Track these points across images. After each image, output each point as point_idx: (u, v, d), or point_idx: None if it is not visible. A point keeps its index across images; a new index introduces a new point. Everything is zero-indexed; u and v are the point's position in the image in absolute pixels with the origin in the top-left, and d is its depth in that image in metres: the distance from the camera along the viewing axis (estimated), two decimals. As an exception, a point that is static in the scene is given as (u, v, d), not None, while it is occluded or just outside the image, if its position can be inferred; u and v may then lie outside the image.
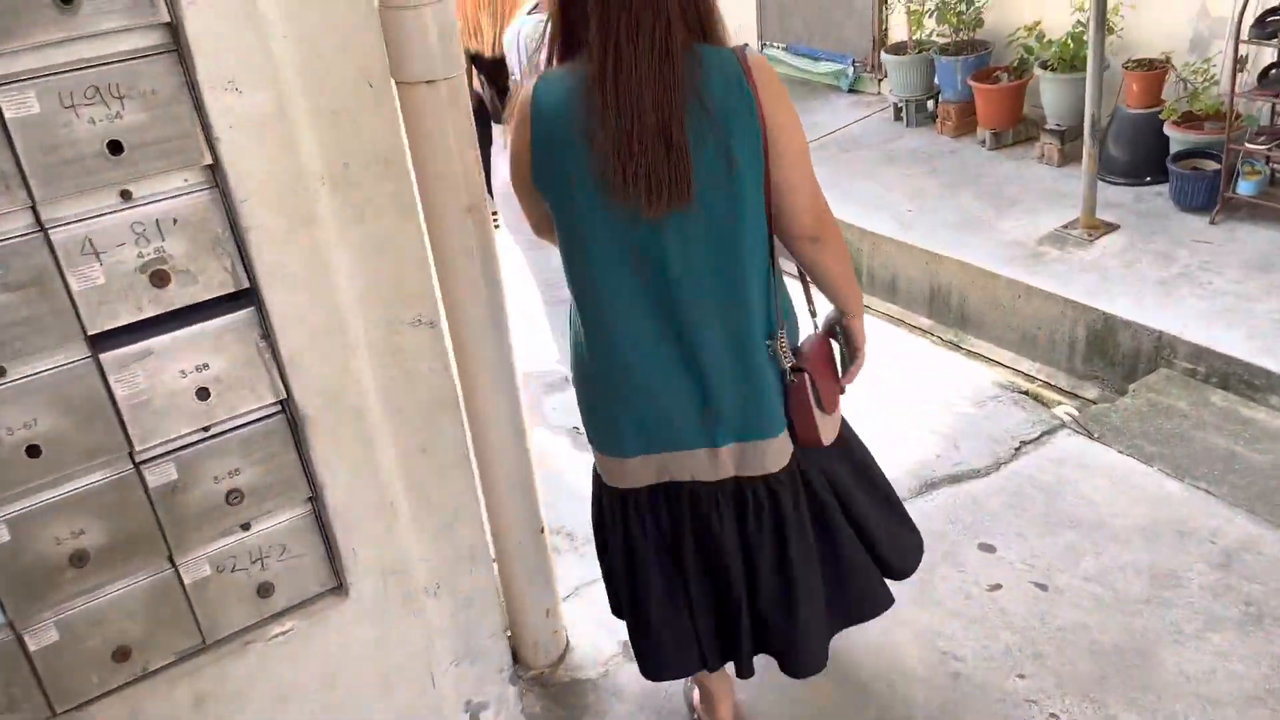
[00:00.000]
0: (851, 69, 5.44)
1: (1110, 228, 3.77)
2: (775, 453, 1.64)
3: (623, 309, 1.54)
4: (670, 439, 1.62)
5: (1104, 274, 3.50)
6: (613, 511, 1.73)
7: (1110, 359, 3.34)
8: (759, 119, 1.44)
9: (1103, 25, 3.47)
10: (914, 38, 4.88)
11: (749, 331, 1.56)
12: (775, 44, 5.91)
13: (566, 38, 1.47)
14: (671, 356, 1.56)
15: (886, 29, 5.22)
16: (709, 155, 1.42)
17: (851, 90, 5.51)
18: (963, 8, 4.55)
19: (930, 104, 4.94)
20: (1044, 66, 4.25)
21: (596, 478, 1.76)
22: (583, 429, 1.76)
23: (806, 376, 1.62)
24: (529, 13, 2.54)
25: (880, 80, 5.35)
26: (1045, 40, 4.27)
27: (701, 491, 1.66)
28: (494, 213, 2.88)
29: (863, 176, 4.51)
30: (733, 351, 1.57)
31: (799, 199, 1.52)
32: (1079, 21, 4.08)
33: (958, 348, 3.76)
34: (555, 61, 1.50)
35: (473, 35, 2.57)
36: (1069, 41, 4.09)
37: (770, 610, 1.73)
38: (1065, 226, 3.82)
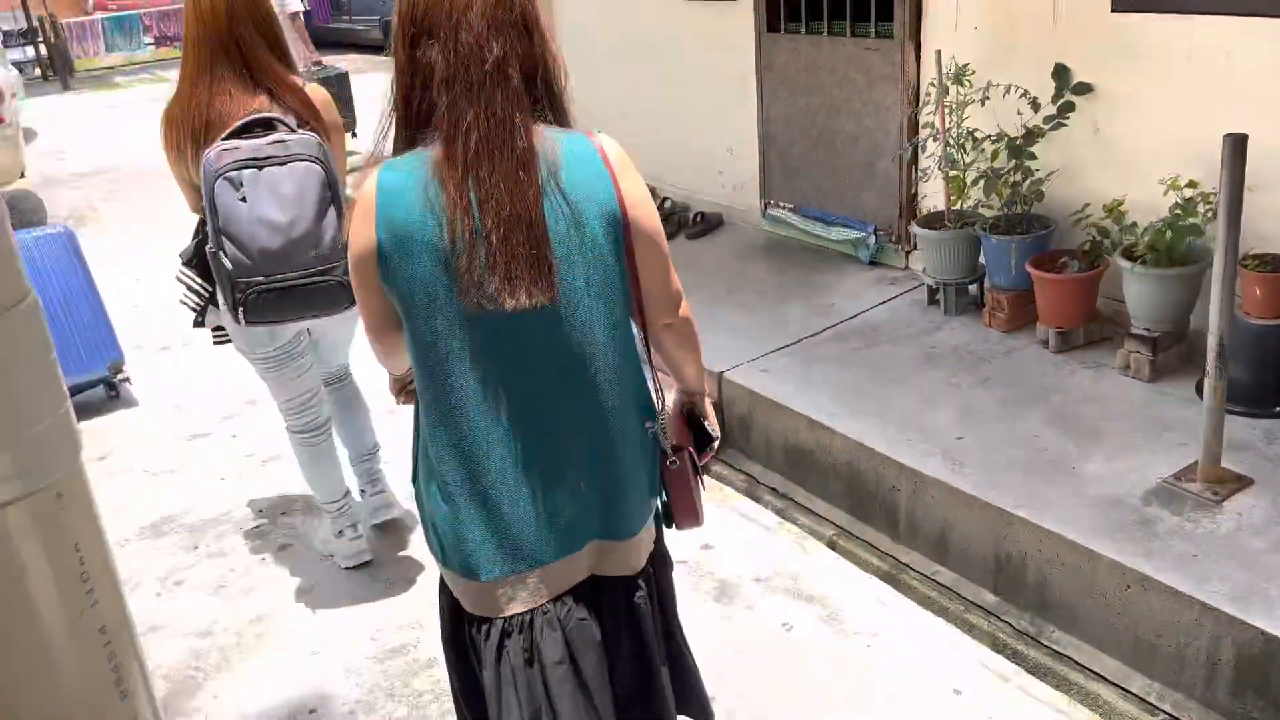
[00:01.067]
0: (873, 238, 4.55)
1: (1242, 482, 2.77)
2: (639, 549, 1.63)
3: (476, 410, 1.45)
4: (528, 554, 1.51)
5: (1249, 560, 2.48)
6: (469, 641, 1.61)
7: (1275, 698, 2.28)
8: (618, 201, 1.42)
9: (1237, 216, 2.54)
10: (953, 208, 3.99)
11: (621, 421, 1.53)
12: (781, 204, 5.06)
13: (409, 122, 1.41)
14: (530, 458, 1.48)
15: (917, 195, 4.35)
16: (569, 241, 1.39)
17: (873, 263, 4.60)
18: (1017, 178, 3.67)
19: (974, 289, 4.02)
20: (1128, 256, 3.32)
21: (450, 606, 1.65)
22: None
23: (687, 454, 1.64)
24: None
25: (908, 253, 4.45)
26: (1129, 224, 3.36)
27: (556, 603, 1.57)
28: (218, 328, 2.72)
29: (895, 383, 3.54)
30: (601, 444, 1.52)
31: (658, 281, 1.52)
32: (1180, 203, 3.17)
33: (1036, 642, 2.71)
34: (393, 149, 1.44)
35: (176, 152, 2.49)
36: (1166, 229, 3.17)
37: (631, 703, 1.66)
38: (1178, 476, 2.82)
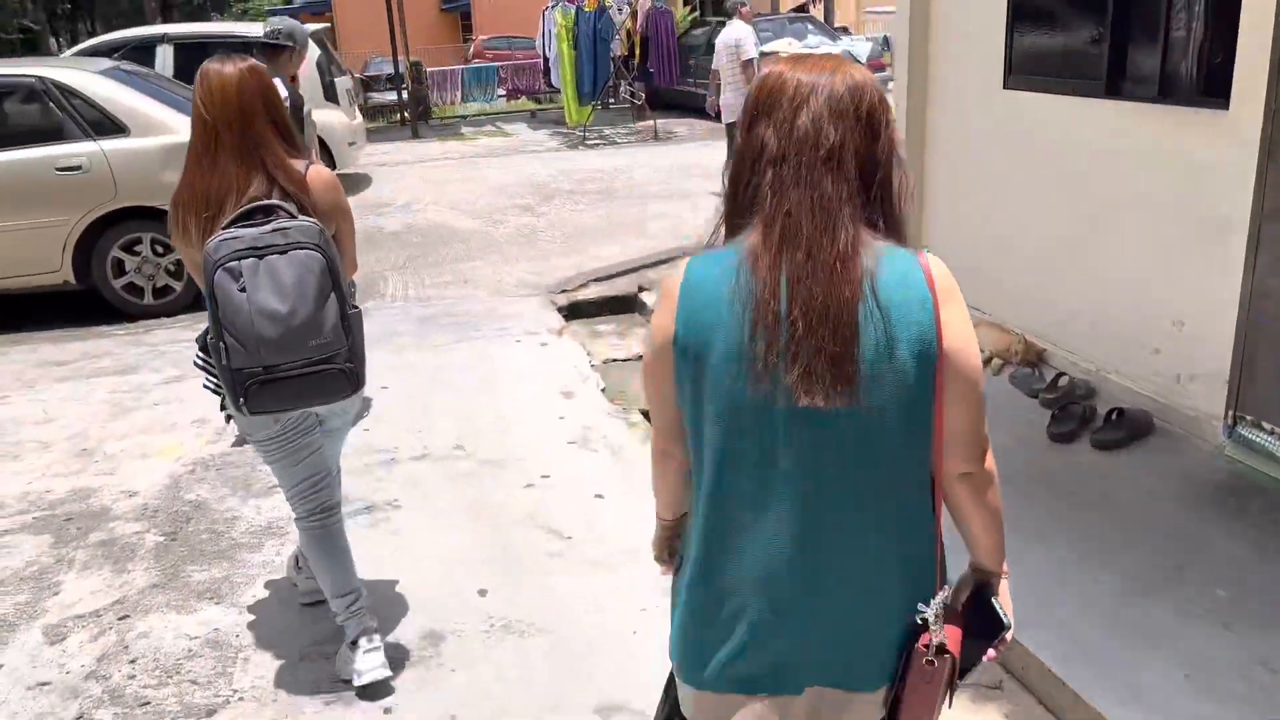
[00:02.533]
0: None
1: None
2: (862, 712, 1.45)
3: (746, 514, 1.39)
4: (763, 674, 1.42)
5: None
6: None
7: None
8: (936, 331, 1.32)
9: None
10: None
11: (884, 570, 1.40)
12: (1267, 423, 3.21)
13: (734, 208, 1.39)
14: (786, 573, 1.38)
15: None
16: (877, 351, 1.30)
17: None
18: None
19: None
20: None
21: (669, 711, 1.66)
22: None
23: (950, 661, 1.41)
24: None
25: None
26: None
27: None
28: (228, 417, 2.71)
29: None
30: (861, 582, 1.39)
31: (966, 422, 1.37)
32: None
33: None
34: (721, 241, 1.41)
35: (182, 235, 2.48)
36: None
37: None
38: None
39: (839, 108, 1.32)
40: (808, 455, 1.34)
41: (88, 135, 6.07)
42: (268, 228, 2.33)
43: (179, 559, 3.36)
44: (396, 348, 5.44)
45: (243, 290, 2.28)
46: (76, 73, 6.27)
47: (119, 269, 6.27)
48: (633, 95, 13.44)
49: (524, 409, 4.56)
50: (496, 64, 16.98)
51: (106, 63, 6.87)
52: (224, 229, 2.33)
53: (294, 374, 2.34)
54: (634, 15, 12.91)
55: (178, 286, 6.41)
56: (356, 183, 10.84)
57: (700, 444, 1.41)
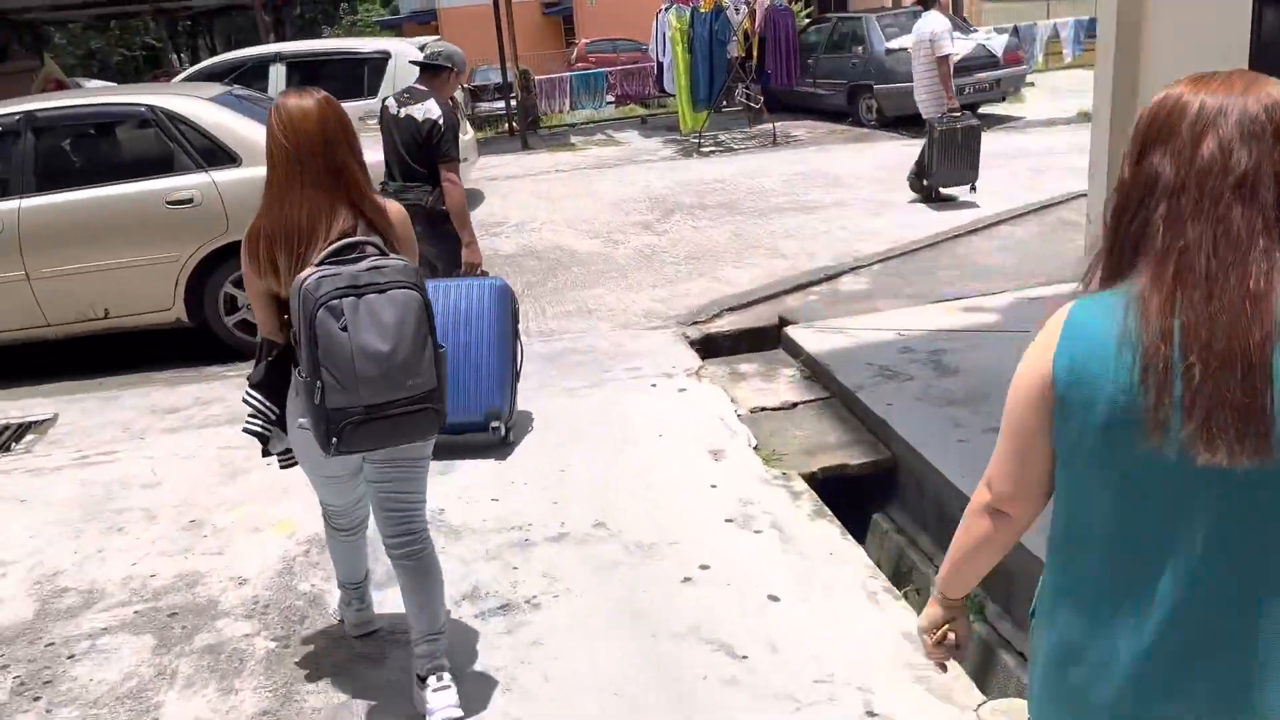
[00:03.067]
0: None
1: None
2: None
3: (1118, 579, 1.29)
4: None
5: None
6: None
7: None
8: None
9: None
10: None
11: None
12: None
13: (1115, 248, 1.30)
14: (1166, 652, 1.27)
15: None
16: None
17: None
18: None
19: None
20: None
21: None
22: None
23: None
24: None
25: None
26: None
27: None
28: (285, 452, 2.69)
29: None
30: (1250, 678, 1.25)
31: None
32: None
33: None
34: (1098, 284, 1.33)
35: (265, 267, 2.43)
36: None
37: None
38: None
39: (1253, 129, 1.21)
40: (1210, 521, 1.23)
41: (199, 166, 5.77)
42: (364, 265, 2.32)
43: (292, 676, 2.91)
44: (525, 392, 4.96)
45: (344, 329, 2.26)
46: (187, 100, 5.99)
47: (231, 305, 5.97)
48: (749, 98, 12.78)
49: (669, 474, 4.01)
50: (605, 70, 16.53)
51: (218, 88, 6.60)
52: (318, 264, 2.31)
53: (393, 414, 2.34)
54: (751, 15, 12.26)
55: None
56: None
57: (1075, 507, 1.34)
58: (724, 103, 13.52)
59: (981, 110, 13.53)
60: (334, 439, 2.32)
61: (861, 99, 13.35)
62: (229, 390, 5.43)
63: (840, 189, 9.73)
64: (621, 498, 3.83)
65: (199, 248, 5.78)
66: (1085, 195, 8.22)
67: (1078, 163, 10.04)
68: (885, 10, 14.34)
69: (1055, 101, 14.11)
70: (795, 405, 4.72)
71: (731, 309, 6.23)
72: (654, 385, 5.00)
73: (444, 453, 3.85)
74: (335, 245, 2.34)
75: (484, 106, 17.04)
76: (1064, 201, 8.07)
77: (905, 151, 11.61)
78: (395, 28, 40.21)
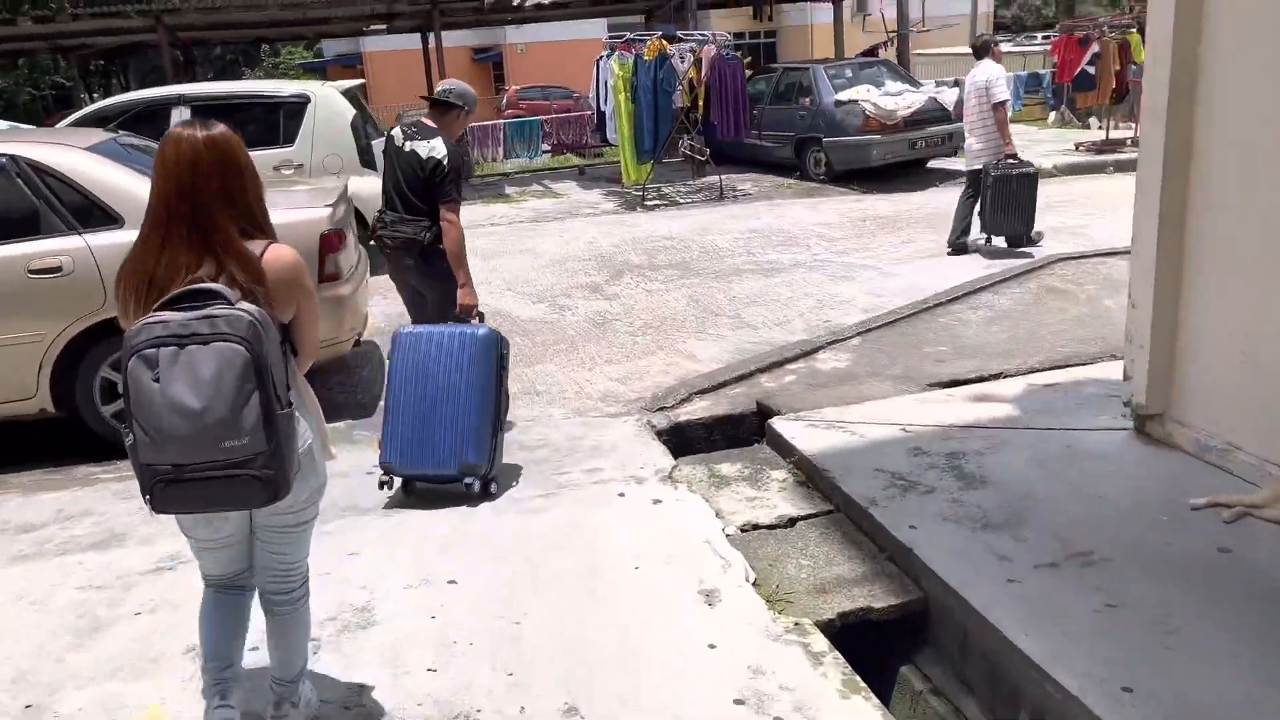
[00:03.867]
0: None
1: None
2: None
3: None
4: None
5: None
6: None
7: None
8: None
9: None
10: None
11: None
12: None
13: None
14: None
15: None
16: None
17: None
18: None
19: None
20: None
21: None
22: None
23: None
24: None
25: None
26: None
27: None
28: None
29: None
30: None
31: None
32: None
33: None
34: None
35: (124, 316, 2.35)
36: None
37: None
38: None
39: None
40: None
41: (71, 228, 4.82)
42: (197, 314, 2.15)
43: None
44: (460, 512, 4.10)
45: (156, 380, 2.12)
46: (58, 150, 5.03)
47: (110, 393, 4.99)
48: (695, 150, 12.18)
49: (654, 628, 3.19)
50: (540, 117, 15.84)
51: (100, 135, 5.64)
52: (155, 309, 2.20)
53: (201, 476, 2.16)
54: (698, 64, 11.69)
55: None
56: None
57: None
58: (665, 154, 12.90)
59: (933, 165, 13.18)
60: (148, 496, 2.20)
61: (809, 152, 12.86)
62: (101, 499, 4.46)
63: (798, 249, 9.10)
64: (597, 667, 2.99)
65: (69, 325, 4.80)
66: (1066, 258, 7.74)
67: (1045, 221, 9.62)
68: (831, 61, 13.95)
69: (1003, 157, 13.82)
70: (794, 522, 3.95)
71: (702, 391, 5.47)
72: (622, 494, 4.19)
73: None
74: (176, 292, 2.20)
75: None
76: (1042, 266, 7.53)
77: (858, 207, 11.11)
78: (319, 71, 39.15)
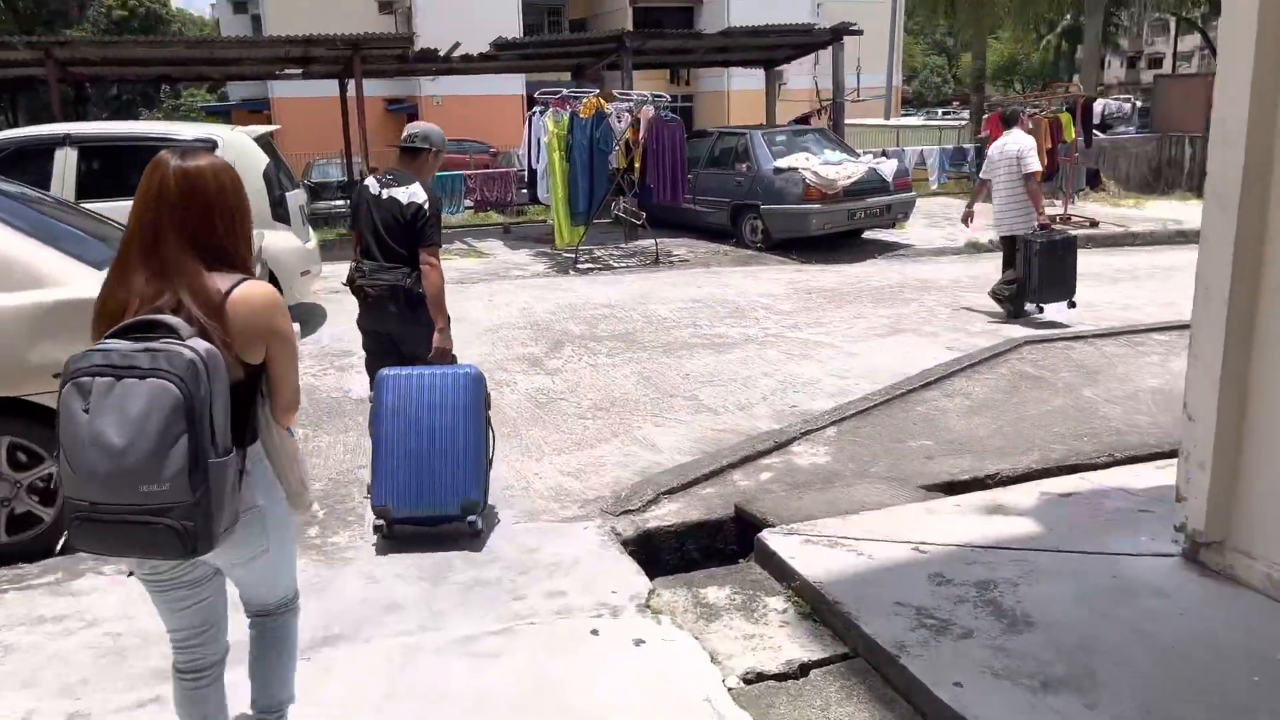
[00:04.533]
0: None
1: None
2: None
3: None
4: None
5: None
6: None
7: None
8: None
9: None
10: None
11: None
12: None
13: None
14: None
15: None
16: None
17: None
18: None
19: None
20: None
21: None
22: None
23: None
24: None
25: None
26: None
27: None
28: None
29: None
30: None
31: None
32: None
33: None
34: None
35: None
36: None
37: None
38: None
39: None
40: None
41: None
42: (141, 346, 2.03)
43: None
44: (399, 651, 3.33)
45: (86, 411, 2.00)
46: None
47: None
48: (631, 213, 11.66)
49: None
50: (462, 172, 15.16)
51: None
52: (106, 337, 2.09)
53: (115, 519, 2.01)
54: (636, 125, 11.22)
55: (46, 515, 4.21)
56: (310, 319, 8.74)
57: None
58: (596, 215, 12.36)
59: (868, 235, 12.94)
60: (65, 531, 2.11)
61: (746, 219, 12.47)
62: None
63: (747, 322, 8.58)
64: None
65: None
66: (1032, 342, 7.38)
67: (993, 302, 9.33)
68: (768, 127, 13.68)
69: (935, 229, 13.71)
70: (806, 669, 3.29)
71: (670, 491, 4.80)
72: (595, 632, 3.47)
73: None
74: (128, 321, 2.10)
75: (324, 205, 15.28)
76: (1010, 350, 7.15)
77: (800, 278, 10.71)
78: (223, 115, 37.75)
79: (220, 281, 2.18)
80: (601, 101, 10.97)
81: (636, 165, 11.47)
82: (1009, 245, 8.34)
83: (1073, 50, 55.13)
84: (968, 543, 3.89)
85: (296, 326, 2.38)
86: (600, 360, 7.34)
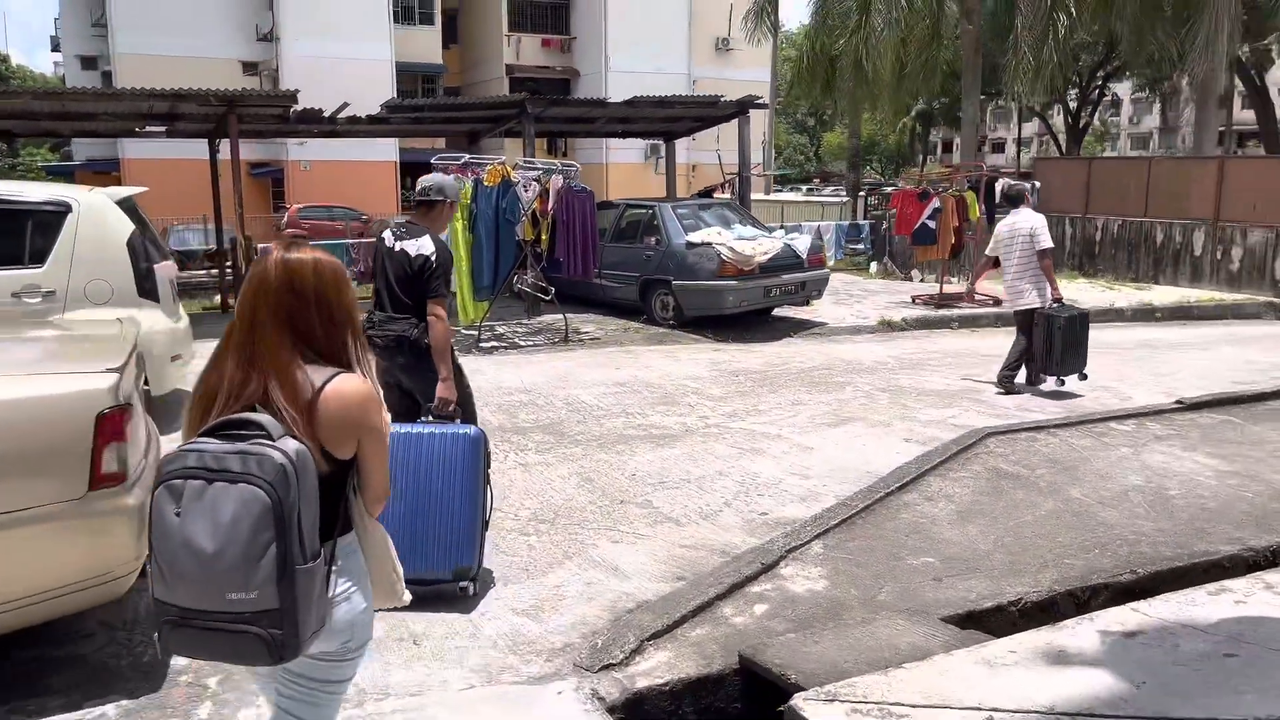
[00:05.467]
0: None
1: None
2: None
3: None
4: None
5: None
6: None
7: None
8: None
9: None
10: None
11: None
12: None
13: None
14: None
15: None
16: None
17: None
18: None
19: None
20: None
21: None
22: None
23: None
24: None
25: None
26: None
27: None
28: None
29: None
30: None
31: None
32: None
33: None
34: None
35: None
36: None
37: None
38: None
39: None
40: None
41: None
42: (233, 447, 1.99)
43: None
44: None
45: (178, 515, 1.97)
46: None
47: None
48: (537, 287, 10.86)
49: None
50: (348, 240, 14.06)
51: None
52: (198, 435, 2.08)
53: (206, 626, 1.97)
54: (544, 195, 10.49)
55: None
56: (174, 413, 7.51)
57: None
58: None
59: (779, 313, 12.51)
60: (155, 634, 2.07)
61: (656, 295, 11.84)
62: None
63: (681, 409, 7.86)
64: None
65: None
66: (995, 434, 6.90)
67: (927, 382, 8.93)
68: (677, 200, 13.19)
69: (844, 307, 13.44)
70: None
71: (655, 636, 3.95)
72: None
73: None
74: (220, 420, 2.07)
75: (184, 276, 13.88)
76: (975, 443, 6.64)
77: (722, 359, 10.10)
78: (66, 175, 35.13)
79: (315, 375, 2.16)
80: (508, 169, 10.20)
81: (543, 237, 10.71)
82: (1026, 318, 8.42)
83: (926, 133, 58.02)
84: (1049, 708, 3.19)
85: (387, 416, 2.30)
86: (530, 458, 6.45)
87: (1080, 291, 15.03)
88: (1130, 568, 4.69)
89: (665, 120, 14.26)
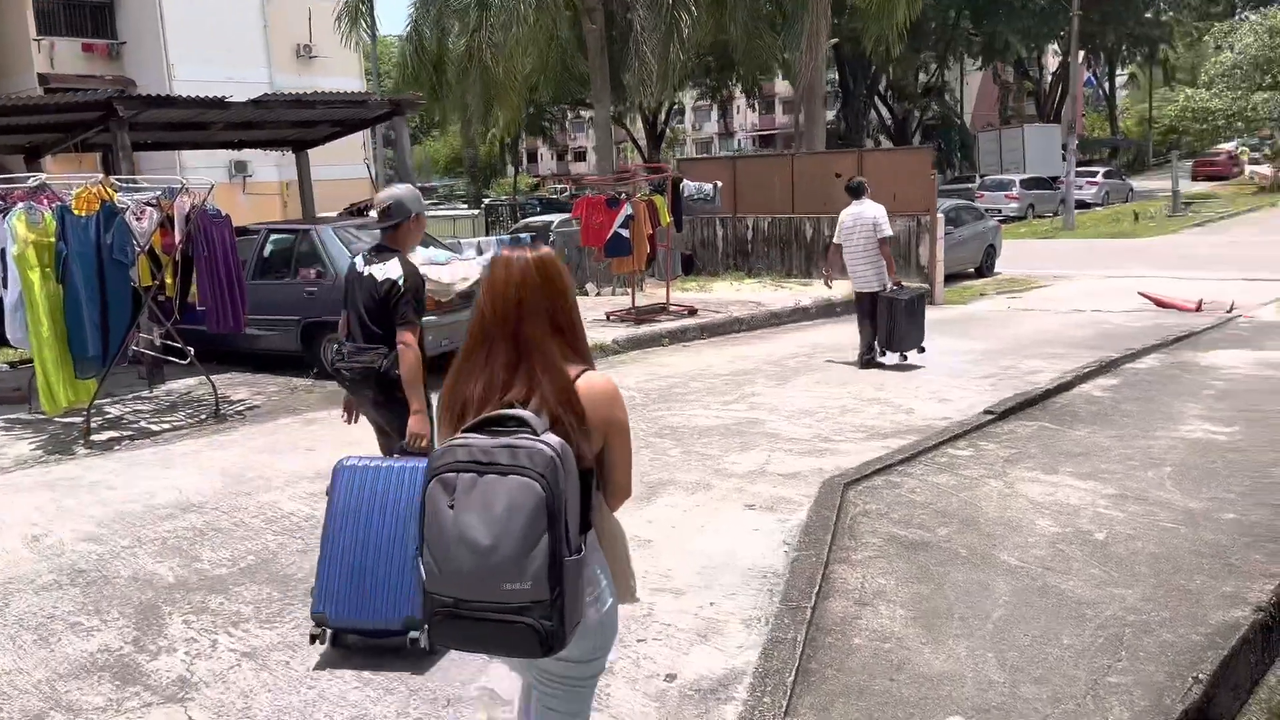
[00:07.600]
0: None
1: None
2: None
3: None
4: None
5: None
6: None
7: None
8: None
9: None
10: None
11: None
12: None
13: None
14: None
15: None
16: None
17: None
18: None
19: None
20: None
21: None
22: None
23: None
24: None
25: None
26: None
27: None
28: None
29: None
30: None
31: None
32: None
33: None
34: None
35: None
36: None
37: None
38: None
39: None
40: None
41: None
42: (500, 441, 2.03)
43: None
44: None
45: (452, 507, 2.01)
46: None
47: None
48: (174, 350, 7.99)
49: None
50: None
51: None
52: (462, 431, 2.12)
53: (478, 616, 2.02)
54: (168, 224, 7.65)
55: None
56: None
57: None
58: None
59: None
60: (426, 625, 2.10)
61: (328, 341, 9.34)
62: None
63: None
64: None
65: None
66: (849, 483, 5.61)
67: (697, 419, 7.49)
68: (334, 220, 10.65)
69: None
70: None
71: None
72: None
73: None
74: (484, 415, 2.11)
75: None
76: (840, 506, 5.29)
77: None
78: None
79: (570, 371, 2.19)
80: (106, 191, 7.23)
81: (169, 280, 7.85)
82: (869, 300, 9.26)
83: (515, 144, 58.12)
84: None
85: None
86: (256, 642, 4.03)
87: (757, 292, 14.70)
88: (1179, 674, 3.53)
89: (300, 125, 11.62)
